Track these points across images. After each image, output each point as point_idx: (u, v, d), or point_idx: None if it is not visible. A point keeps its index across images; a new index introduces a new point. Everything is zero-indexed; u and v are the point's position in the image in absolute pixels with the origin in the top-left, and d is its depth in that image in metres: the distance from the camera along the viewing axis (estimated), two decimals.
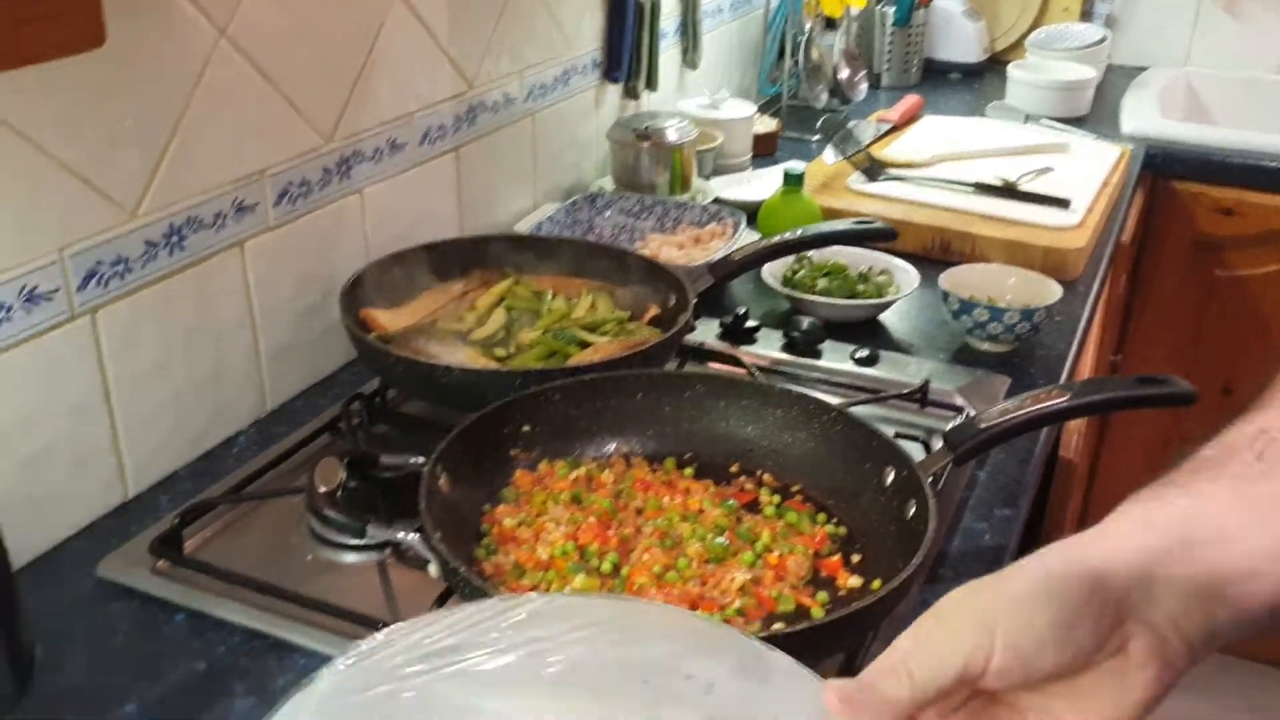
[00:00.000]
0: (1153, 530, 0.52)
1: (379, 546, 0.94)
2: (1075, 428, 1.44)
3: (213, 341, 1.08)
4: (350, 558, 0.95)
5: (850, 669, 0.81)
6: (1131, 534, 0.52)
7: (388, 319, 1.14)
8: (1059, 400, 0.89)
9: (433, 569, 0.81)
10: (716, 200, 1.60)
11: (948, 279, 1.33)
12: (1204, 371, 1.97)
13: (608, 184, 1.64)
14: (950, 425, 0.92)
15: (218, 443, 1.11)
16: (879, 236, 1.24)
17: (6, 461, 0.89)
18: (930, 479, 0.87)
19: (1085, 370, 1.66)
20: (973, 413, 0.93)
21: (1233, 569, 0.51)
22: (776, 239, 1.22)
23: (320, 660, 0.83)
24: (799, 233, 1.22)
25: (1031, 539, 1.30)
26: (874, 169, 1.69)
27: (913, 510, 0.85)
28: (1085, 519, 1.90)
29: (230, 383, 1.11)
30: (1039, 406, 0.88)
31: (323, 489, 0.83)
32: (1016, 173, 1.68)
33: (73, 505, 0.97)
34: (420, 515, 0.81)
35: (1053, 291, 1.33)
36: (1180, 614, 0.50)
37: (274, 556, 0.94)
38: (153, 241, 0.99)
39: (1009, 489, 1.08)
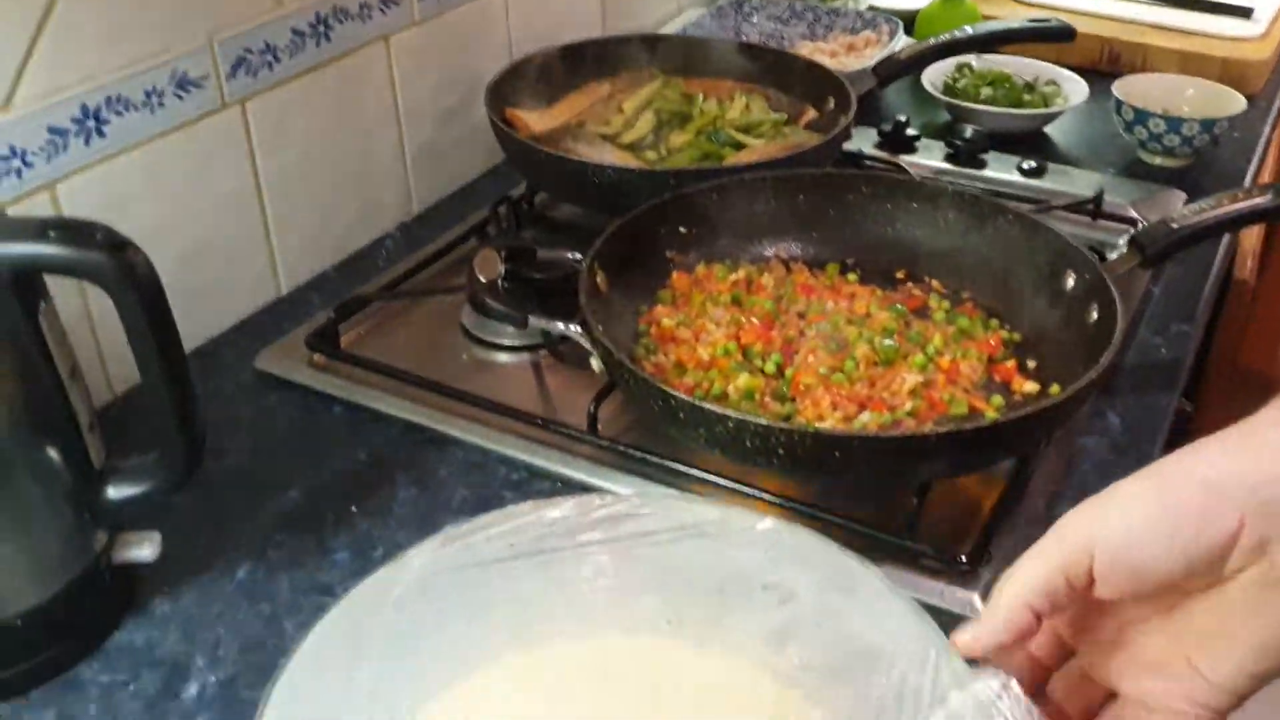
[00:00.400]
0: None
1: (532, 348, 0.93)
2: (1250, 249, 1.36)
3: (360, 138, 1.06)
4: (503, 358, 0.94)
5: (1021, 476, 0.78)
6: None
7: (533, 120, 1.10)
8: (1259, 200, 0.82)
9: (594, 363, 0.79)
10: (871, 7, 1.51)
11: (1121, 87, 1.24)
12: None
13: None
14: (1137, 229, 0.85)
15: (365, 244, 1.10)
16: (1055, 36, 1.15)
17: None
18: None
19: None
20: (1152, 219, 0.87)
21: None
22: (946, 37, 1.14)
23: (479, 454, 0.84)
24: (969, 31, 1.14)
25: (1203, 357, 1.23)
26: None
27: (1095, 315, 0.79)
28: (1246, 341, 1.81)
29: (377, 182, 1.09)
30: (1237, 205, 0.82)
31: (483, 279, 0.81)
32: None
33: (228, 299, 0.97)
34: (579, 311, 0.79)
35: (1235, 103, 1.23)
36: None
37: (428, 354, 0.93)
38: (300, 31, 0.96)
39: (1186, 303, 1.02)
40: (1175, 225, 0.82)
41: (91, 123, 0.82)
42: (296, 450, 0.85)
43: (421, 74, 1.10)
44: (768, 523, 0.59)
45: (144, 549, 0.71)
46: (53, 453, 0.65)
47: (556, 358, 0.91)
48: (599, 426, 0.81)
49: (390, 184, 1.11)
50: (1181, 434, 1.14)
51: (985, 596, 0.71)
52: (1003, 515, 0.76)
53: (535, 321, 0.79)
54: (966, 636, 0.51)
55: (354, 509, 0.79)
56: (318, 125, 1.01)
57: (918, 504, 0.73)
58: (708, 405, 0.69)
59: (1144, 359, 0.95)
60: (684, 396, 0.70)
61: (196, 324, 0.94)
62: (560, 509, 0.59)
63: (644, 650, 0.61)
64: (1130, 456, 0.84)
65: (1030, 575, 0.49)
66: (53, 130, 0.79)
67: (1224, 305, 1.39)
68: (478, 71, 1.14)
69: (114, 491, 0.68)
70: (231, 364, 0.93)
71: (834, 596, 0.57)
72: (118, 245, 0.61)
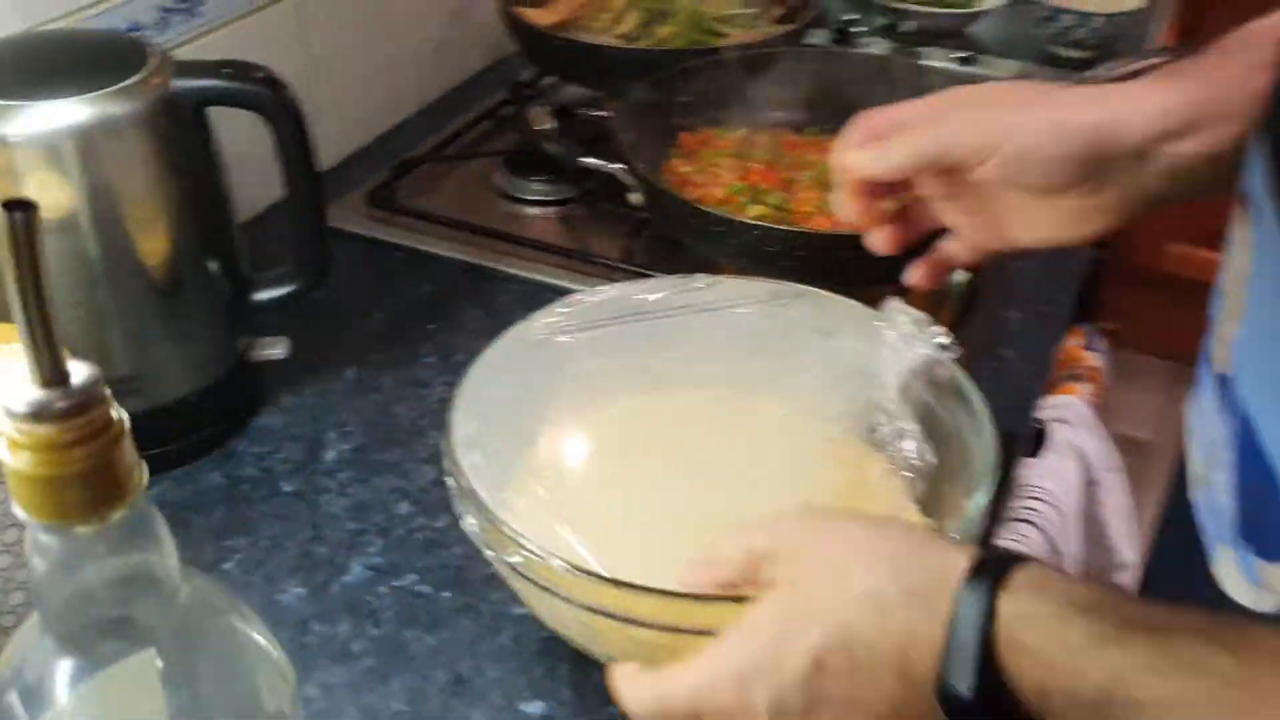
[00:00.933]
0: (1166, 112, 0.62)
1: (559, 202, 1.09)
2: None
3: (383, 32, 1.19)
4: (534, 211, 1.09)
5: (975, 271, 0.97)
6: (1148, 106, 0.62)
7: (535, 16, 1.25)
8: (1157, 59, 1.01)
9: (634, 197, 0.95)
10: None
11: None
12: None
13: None
14: None
15: (390, 126, 1.24)
16: None
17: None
18: None
19: None
20: None
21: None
22: None
23: (531, 286, 0.99)
24: None
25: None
26: None
27: None
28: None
29: (398, 72, 1.23)
30: (1140, 64, 1.01)
31: (537, 128, 0.96)
32: None
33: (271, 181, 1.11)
34: (618, 154, 0.94)
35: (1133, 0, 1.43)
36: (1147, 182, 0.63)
37: (474, 208, 1.08)
38: None
39: None
40: (1091, 80, 1.00)
41: (188, 3, 0.95)
42: (372, 288, 1.00)
43: None
44: (807, 292, 0.76)
45: (277, 349, 0.85)
46: (214, 261, 0.79)
47: (590, 204, 1.07)
48: (633, 257, 0.98)
49: (410, 74, 1.25)
50: (1096, 274, 1.34)
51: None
52: (965, 313, 0.94)
53: (585, 161, 0.95)
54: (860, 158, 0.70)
55: (430, 326, 0.95)
56: (350, 19, 1.14)
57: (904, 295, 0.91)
58: (738, 217, 0.86)
59: None
60: (718, 211, 0.87)
61: (260, 189, 1.08)
62: (648, 286, 0.75)
63: (713, 401, 0.78)
64: (1057, 273, 1.04)
65: (923, 149, 0.66)
66: (163, 10, 0.92)
67: None
68: None
69: (260, 295, 0.82)
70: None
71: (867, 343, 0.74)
72: (276, 82, 0.75)
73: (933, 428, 0.70)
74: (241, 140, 0.80)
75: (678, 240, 0.94)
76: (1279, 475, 0.54)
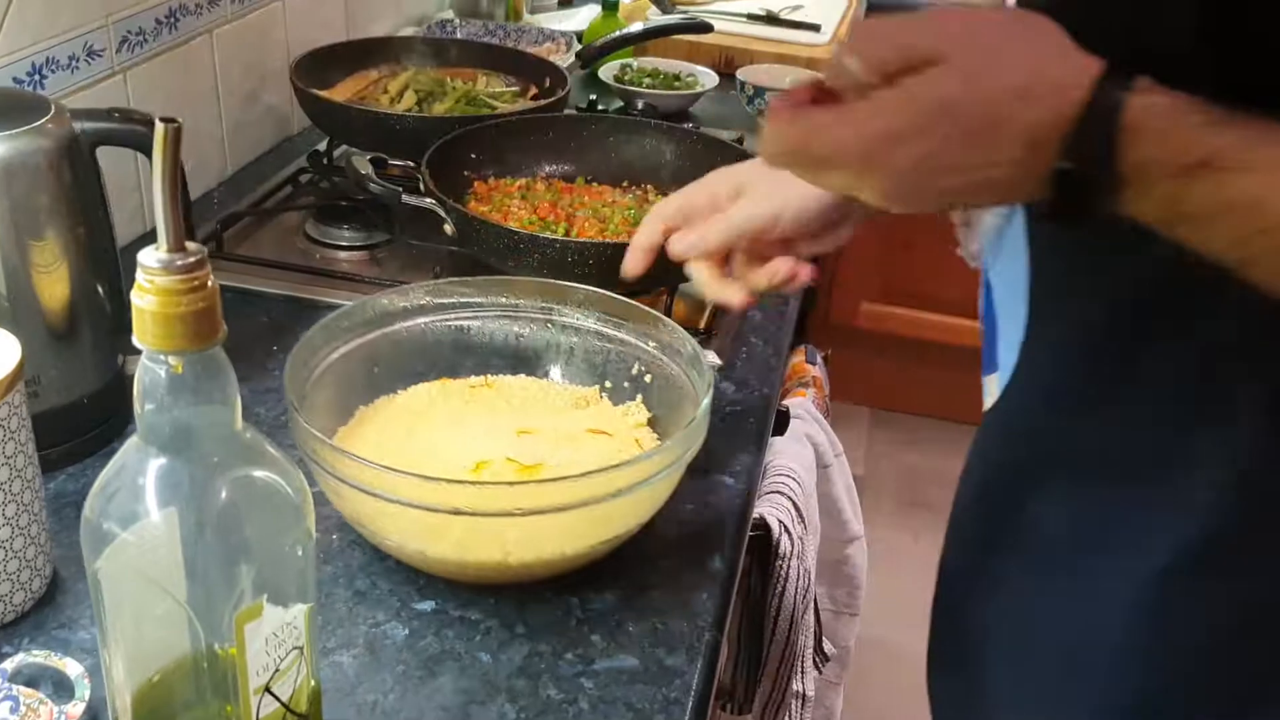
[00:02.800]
0: None
1: (366, 247, 1.25)
2: None
3: (191, 107, 1.33)
4: (344, 255, 1.25)
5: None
6: None
7: (325, 94, 1.42)
8: None
9: (448, 228, 1.13)
10: (541, 29, 1.93)
11: (743, 73, 1.73)
12: None
13: (450, 14, 1.94)
14: None
15: (198, 194, 1.37)
16: (697, 29, 1.62)
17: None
18: None
19: None
20: None
21: None
22: (630, 29, 1.58)
23: None
24: (639, 26, 1.59)
25: None
26: (665, 4, 2.06)
27: None
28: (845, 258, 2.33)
29: (203, 146, 1.37)
30: None
31: (362, 170, 1.13)
32: (778, 6, 2.10)
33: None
34: (429, 194, 1.13)
35: None
36: None
37: (288, 255, 1.23)
38: (160, 19, 1.24)
39: None
40: None
41: (36, 77, 1.07)
42: None
43: (231, 61, 1.39)
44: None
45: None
46: (100, 286, 0.91)
47: (389, 249, 1.24)
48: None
49: (213, 147, 1.39)
50: (812, 300, 1.62)
51: (720, 354, 1.12)
52: (719, 314, 1.18)
53: (407, 198, 1.12)
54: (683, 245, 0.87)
55: (274, 347, 1.09)
56: (170, 93, 1.28)
57: (669, 300, 1.13)
58: (542, 234, 1.06)
59: None
60: (525, 231, 1.06)
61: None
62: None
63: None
64: None
65: (735, 229, 0.85)
66: (15, 80, 1.04)
67: None
68: (268, 61, 1.45)
69: None
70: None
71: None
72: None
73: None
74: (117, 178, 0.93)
75: (484, 263, 1.13)
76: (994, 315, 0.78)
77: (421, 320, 0.95)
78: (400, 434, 0.89)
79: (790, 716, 1.37)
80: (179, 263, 0.49)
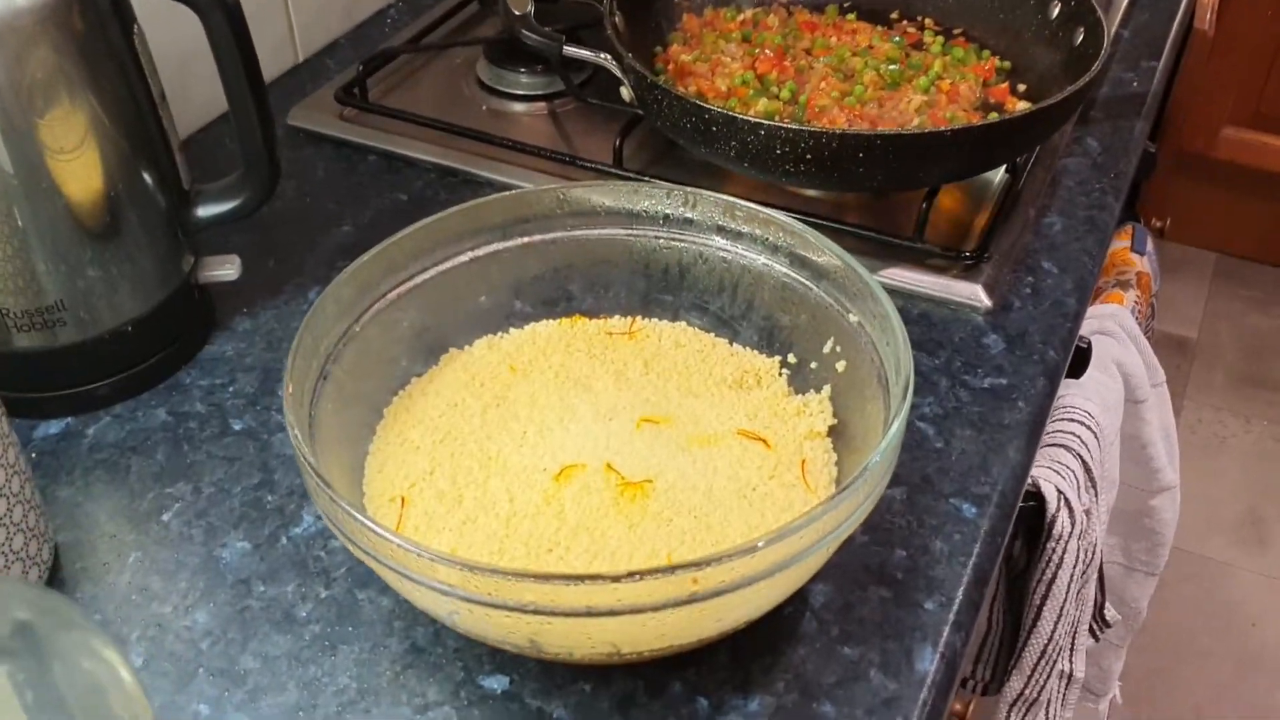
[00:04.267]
0: None
1: (546, 97, 0.98)
2: (1209, 3, 1.43)
3: None
4: (519, 107, 0.99)
5: (1013, 189, 0.86)
6: None
7: None
8: None
9: (625, 92, 0.85)
10: None
11: None
12: None
13: None
14: None
15: (369, 14, 1.13)
16: None
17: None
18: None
19: None
20: None
21: None
22: None
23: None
24: None
25: (1164, 103, 1.32)
26: None
27: (1081, 36, 0.87)
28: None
29: None
30: None
31: (516, 11, 0.86)
32: None
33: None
34: (607, 42, 0.84)
35: None
36: None
37: (450, 106, 0.98)
38: None
39: (1153, 43, 1.09)
40: None
41: None
42: (340, 194, 0.91)
43: None
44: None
45: (227, 269, 0.77)
46: (148, 174, 0.70)
47: (573, 101, 0.96)
48: (624, 161, 0.88)
49: None
50: (1149, 168, 1.23)
51: (988, 289, 0.80)
52: (999, 222, 0.84)
53: (569, 50, 0.84)
54: None
55: None
56: None
57: (926, 208, 0.81)
58: (741, 115, 0.76)
59: (1117, 92, 1.02)
60: (718, 109, 0.76)
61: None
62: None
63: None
64: (1108, 173, 0.93)
65: None
66: None
67: (1184, 52, 1.48)
68: None
69: (202, 210, 0.73)
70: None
71: None
72: None
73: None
74: (189, 40, 0.70)
75: (671, 142, 0.84)
76: None
77: (556, 234, 0.69)
78: (485, 399, 0.65)
79: (1048, 706, 1.09)
80: None
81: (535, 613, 0.48)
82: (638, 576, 0.47)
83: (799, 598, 0.61)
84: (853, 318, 0.63)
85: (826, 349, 0.65)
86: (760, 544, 0.48)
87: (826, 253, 0.63)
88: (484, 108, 0.98)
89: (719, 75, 0.88)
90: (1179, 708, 1.70)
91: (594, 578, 0.47)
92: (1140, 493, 1.18)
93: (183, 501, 0.67)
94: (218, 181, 0.74)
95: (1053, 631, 1.00)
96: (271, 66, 1.02)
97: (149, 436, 0.71)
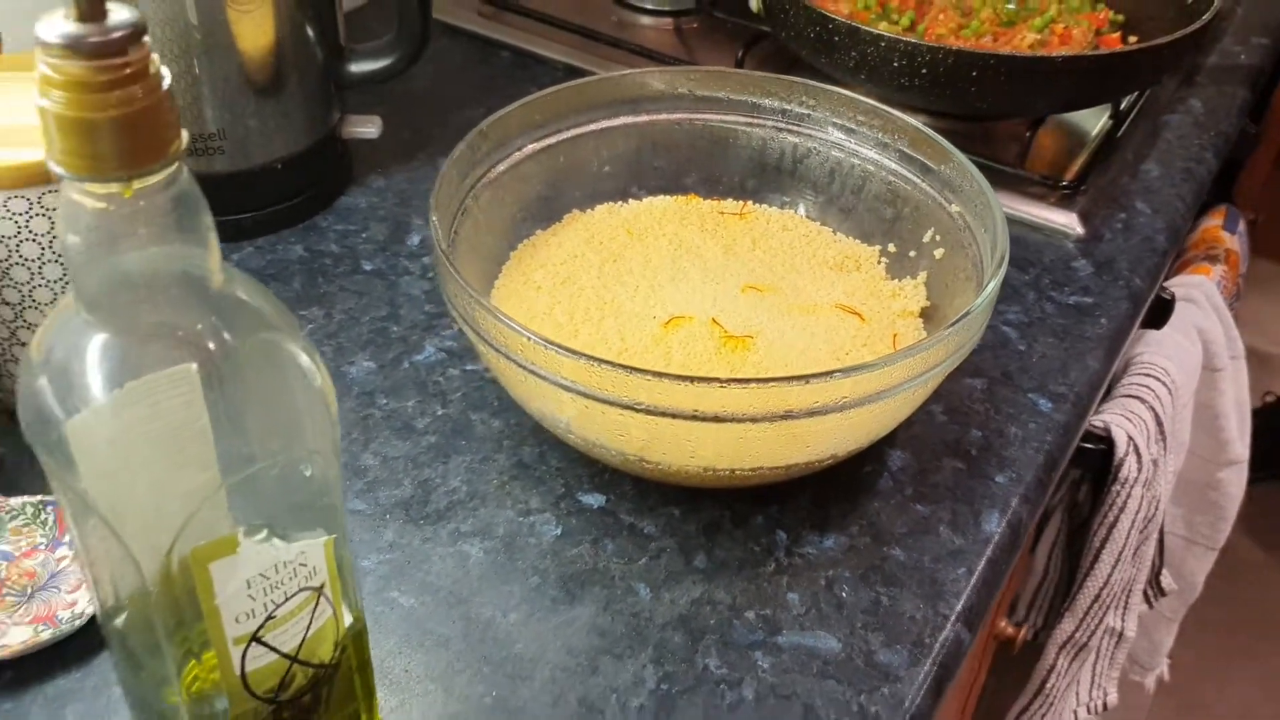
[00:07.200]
0: None
1: (672, 13, 1.03)
2: None
3: None
4: (646, 20, 1.04)
5: (1115, 135, 0.90)
6: None
7: None
8: None
9: (754, 2, 0.89)
10: None
11: None
12: None
13: None
14: None
15: None
16: None
17: None
18: None
19: None
20: None
21: None
22: None
23: None
24: None
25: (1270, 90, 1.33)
26: None
27: None
28: None
29: None
30: None
31: None
32: None
33: None
34: None
35: None
36: None
37: (586, 12, 1.03)
38: None
39: (1266, 19, 1.11)
40: None
41: None
42: (474, 83, 0.96)
43: None
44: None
45: (369, 128, 0.83)
46: (311, 28, 0.76)
47: (698, 18, 1.01)
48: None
49: None
50: (1249, 148, 1.25)
51: (1083, 218, 0.83)
52: (1098, 160, 0.88)
53: None
54: None
55: None
56: None
57: (1030, 137, 0.85)
58: (864, 26, 0.80)
59: (1225, 62, 1.05)
60: (842, 19, 0.81)
61: None
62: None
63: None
64: (1208, 131, 0.96)
65: None
66: None
67: None
68: None
69: (355, 66, 0.79)
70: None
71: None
72: None
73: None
74: None
75: (795, 56, 0.89)
76: None
77: (679, 115, 0.74)
78: (604, 254, 0.70)
79: (1096, 656, 1.12)
80: (94, 40, 0.31)
81: (647, 412, 0.53)
82: (745, 383, 0.52)
83: (877, 458, 0.66)
84: (954, 208, 0.67)
85: (926, 238, 0.69)
86: (855, 369, 0.53)
87: (935, 146, 0.67)
88: (613, 19, 1.04)
89: (842, 0, 0.92)
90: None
91: (704, 380, 0.52)
92: (1208, 464, 1.20)
93: (315, 324, 0.73)
94: (370, 42, 0.80)
95: (1109, 576, 1.02)
96: None
97: (287, 267, 0.77)
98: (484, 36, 1.00)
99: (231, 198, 0.77)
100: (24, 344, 0.61)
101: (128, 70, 0.32)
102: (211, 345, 0.37)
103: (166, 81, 0.33)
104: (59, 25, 0.31)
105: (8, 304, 0.59)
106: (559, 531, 0.61)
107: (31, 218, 0.57)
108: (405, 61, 0.79)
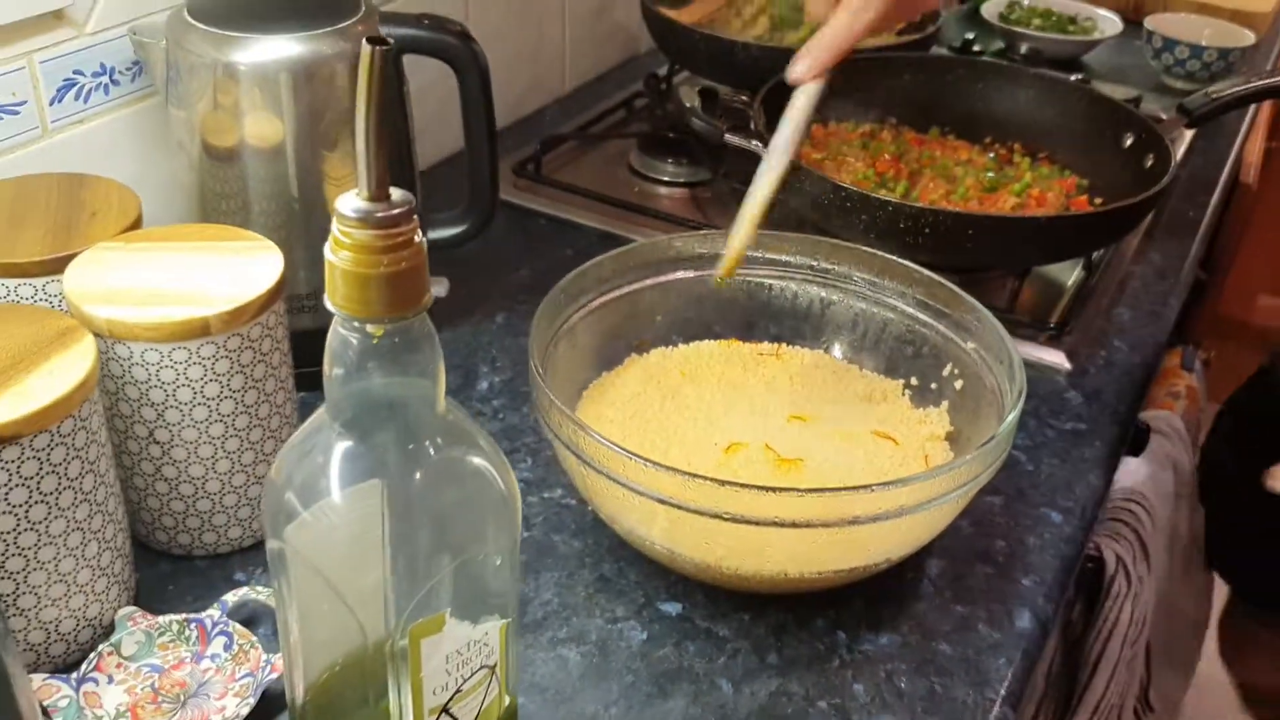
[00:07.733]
0: None
1: (688, 184, 1.15)
2: (1252, 161, 1.61)
3: (534, 26, 1.28)
4: (663, 190, 1.16)
5: (1088, 282, 1.02)
6: None
7: (674, 14, 1.33)
8: (1276, 79, 1.06)
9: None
10: None
11: (1151, 21, 1.48)
12: None
13: None
14: (1184, 100, 1.09)
15: (531, 110, 1.32)
16: None
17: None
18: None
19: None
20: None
21: None
22: None
23: None
24: None
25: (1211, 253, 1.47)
26: None
27: (1151, 161, 1.03)
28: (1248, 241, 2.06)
29: (543, 63, 1.31)
30: (1261, 82, 1.06)
31: (687, 104, 1.03)
32: None
33: (437, 140, 1.19)
34: (755, 135, 1.01)
35: (1246, 37, 1.47)
36: None
37: (611, 184, 1.15)
38: None
39: (1207, 183, 1.26)
40: (1213, 95, 1.06)
41: None
42: (519, 247, 1.07)
43: None
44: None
45: (438, 288, 0.92)
46: None
47: (711, 189, 1.13)
48: None
49: (552, 62, 1.33)
50: (1200, 293, 1.39)
51: (1069, 355, 0.94)
52: (1076, 307, 0.99)
53: (729, 137, 1.01)
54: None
55: None
56: (509, 4, 1.23)
57: (1019, 284, 0.96)
58: (872, 194, 0.92)
59: (1176, 220, 1.19)
60: (854, 187, 0.93)
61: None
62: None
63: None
64: (1167, 279, 1.08)
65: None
66: None
67: (1230, 204, 1.65)
68: None
69: (432, 233, 0.90)
70: (450, 187, 1.15)
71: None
72: (468, 36, 0.83)
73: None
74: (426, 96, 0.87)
75: (805, 219, 1.01)
76: None
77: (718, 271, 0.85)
78: (663, 392, 0.80)
79: None
80: (379, 215, 0.41)
81: (734, 520, 0.62)
82: (819, 492, 0.61)
83: (917, 567, 0.74)
84: (969, 345, 0.77)
85: (945, 372, 0.79)
86: (910, 480, 0.62)
87: (949, 293, 0.78)
88: (634, 189, 1.16)
89: (844, 170, 1.05)
90: None
91: (786, 489, 0.61)
92: (1182, 582, 1.30)
93: None
94: (444, 212, 0.90)
95: (1105, 690, 1.10)
96: (452, 145, 1.20)
97: None
98: (522, 206, 1.11)
99: (320, 350, 0.85)
100: (168, 479, 0.68)
101: (400, 239, 0.41)
102: (434, 456, 0.45)
103: (425, 246, 0.42)
104: (353, 201, 0.41)
105: (158, 443, 0.67)
106: (645, 636, 0.69)
107: (190, 365, 0.65)
108: (477, 228, 0.90)
